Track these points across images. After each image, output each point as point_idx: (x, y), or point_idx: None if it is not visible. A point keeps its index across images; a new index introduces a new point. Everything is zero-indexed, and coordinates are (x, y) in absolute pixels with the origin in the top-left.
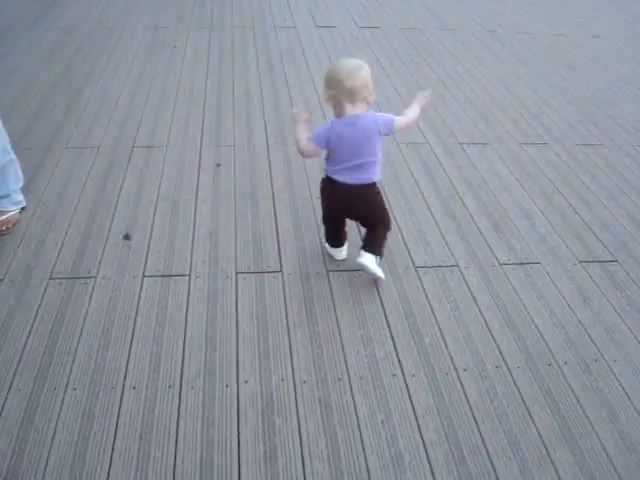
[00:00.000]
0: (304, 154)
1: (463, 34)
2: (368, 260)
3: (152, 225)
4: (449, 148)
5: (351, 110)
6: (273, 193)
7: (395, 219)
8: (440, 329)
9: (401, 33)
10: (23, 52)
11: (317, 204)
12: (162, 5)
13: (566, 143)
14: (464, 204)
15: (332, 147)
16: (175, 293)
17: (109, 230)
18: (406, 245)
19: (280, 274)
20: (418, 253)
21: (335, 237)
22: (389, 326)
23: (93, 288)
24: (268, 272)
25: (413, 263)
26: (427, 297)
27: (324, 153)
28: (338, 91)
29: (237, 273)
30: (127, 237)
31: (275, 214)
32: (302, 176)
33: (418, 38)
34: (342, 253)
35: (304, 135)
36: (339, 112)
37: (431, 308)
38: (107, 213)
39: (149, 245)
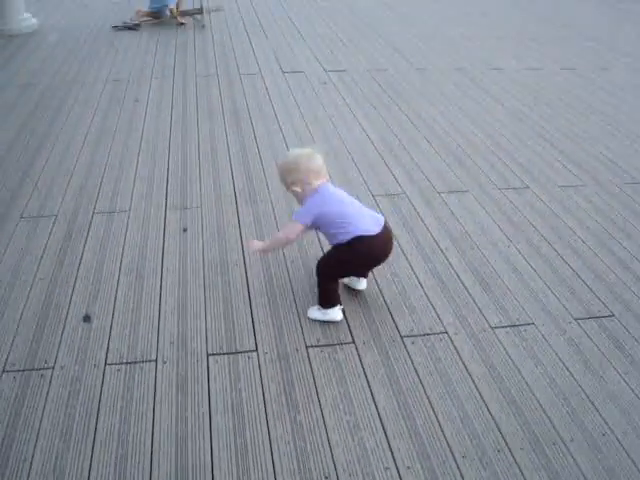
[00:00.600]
0: (290, 241)
1: (432, 73)
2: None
3: (114, 303)
4: (427, 198)
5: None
6: (244, 258)
7: (376, 282)
8: (433, 409)
9: (369, 75)
10: None
11: (291, 267)
12: (123, 56)
13: (547, 185)
14: (448, 261)
15: (335, 212)
16: (141, 383)
17: (67, 312)
18: (390, 312)
19: (255, 354)
20: (403, 320)
21: (337, 293)
22: (377, 408)
23: (50, 381)
24: (242, 352)
25: (399, 332)
26: (416, 371)
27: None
28: (303, 173)
29: (208, 355)
30: (87, 319)
31: (247, 282)
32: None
33: (386, 79)
34: (340, 312)
35: (276, 235)
36: (307, 190)
37: (422, 384)
38: (65, 292)
39: (111, 327)
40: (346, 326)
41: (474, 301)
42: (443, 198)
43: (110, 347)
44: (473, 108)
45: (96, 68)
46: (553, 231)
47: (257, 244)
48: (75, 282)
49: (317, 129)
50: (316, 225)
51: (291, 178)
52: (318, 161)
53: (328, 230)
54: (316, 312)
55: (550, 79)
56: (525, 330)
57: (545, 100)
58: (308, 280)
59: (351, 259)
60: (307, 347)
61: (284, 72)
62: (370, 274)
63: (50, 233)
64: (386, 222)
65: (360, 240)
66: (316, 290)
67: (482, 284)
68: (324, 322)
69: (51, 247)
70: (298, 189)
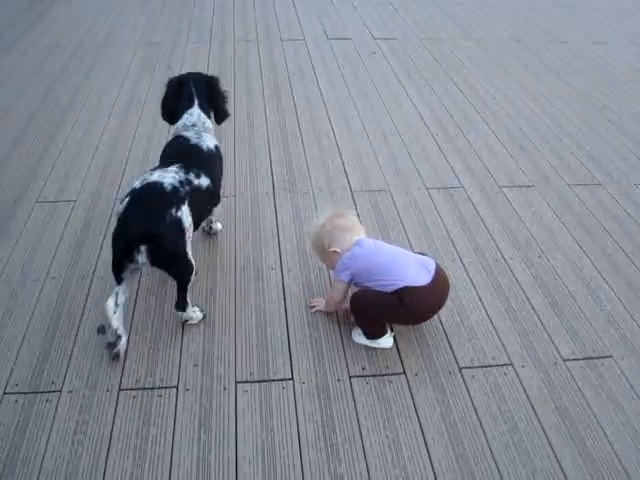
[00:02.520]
0: (339, 300)
1: (489, 43)
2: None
3: (133, 312)
4: (488, 193)
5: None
6: (281, 261)
7: None
8: (496, 463)
9: (421, 45)
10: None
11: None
12: (157, 17)
13: (622, 182)
14: (513, 273)
15: (374, 262)
16: (159, 415)
17: (80, 321)
18: (447, 336)
19: (291, 383)
20: (462, 347)
21: (383, 327)
22: (431, 460)
23: (56, 408)
24: (276, 380)
25: (457, 363)
26: (477, 413)
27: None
28: (337, 231)
29: (237, 383)
30: (101, 330)
31: (284, 292)
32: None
33: (441, 50)
34: (391, 338)
35: (327, 297)
36: (344, 250)
37: (483, 431)
38: (79, 295)
39: (128, 342)
40: (396, 352)
41: (543, 326)
42: (505, 194)
43: (125, 369)
44: (535, 86)
45: (128, 30)
46: (630, 239)
47: (320, 305)
48: (91, 284)
49: (365, 106)
50: (356, 280)
51: (327, 241)
52: (348, 217)
53: (368, 283)
54: (362, 339)
55: (618, 56)
56: (602, 364)
57: (614, 80)
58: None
59: (393, 307)
60: (350, 377)
61: (329, 38)
62: None
63: (67, 222)
64: (438, 267)
65: (407, 291)
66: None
67: (552, 304)
68: (370, 349)
69: (66, 240)
70: (337, 249)
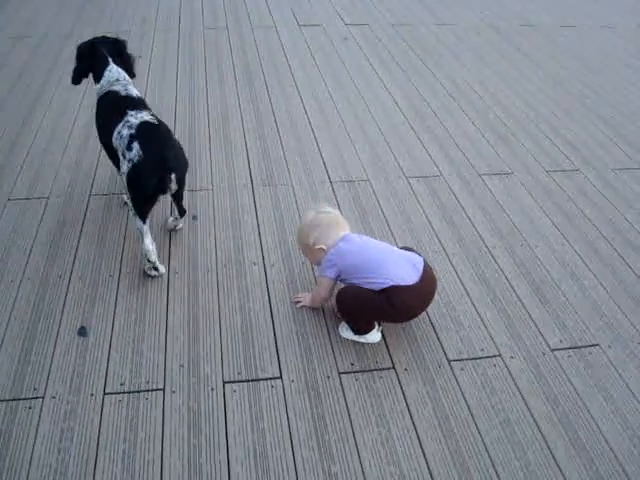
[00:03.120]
0: (325, 297)
1: (461, 29)
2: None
3: (114, 312)
4: (467, 181)
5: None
6: (263, 256)
7: None
8: (490, 456)
9: (393, 30)
10: None
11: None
12: (123, 5)
13: (599, 167)
14: (497, 263)
15: (360, 259)
16: (146, 419)
17: (60, 322)
18: (434, 328)
19: (280, 382)
20: (450, 339)
21: (371, 323)
22: (425, 456)
23: (40, 415)
24: (264, 379)
25: (446, 355)
26: (469, 406)
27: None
28: (323, 228)
29: (225, 383)
30: (82, 332)
31: (267, 287)
32: (296, 225)
33: (413, 36)
34: (379, 333)
35: (312, 294)
36: (330, 246)
37: (475, 424)
38: (57, 296)
39: (110, 343)
40: (384, 346)
41: (530, 316)
42: (485, 181)
43: (109, 371)
44: (511, 72)
45: (94, 19)
46: (611, 226)
47: (305, 301)
48: (69, 284)
49: (340, 95)
50: (343, 276)
51: (312, 238)
52: (333, 212)
53: (355, 280)
54: (348, 333)
55: (589, 38)
56: (590, 353)
57: (587, 64)
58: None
59: (382, 307)
60: (340, 373)
61: (300, 25)
62: None
63: (41, 220)
64: (426, 264)
65: (395, 291)
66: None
67: (537, 293)
68: (358, 343)
69: (41, 237)
70: (322, 246)
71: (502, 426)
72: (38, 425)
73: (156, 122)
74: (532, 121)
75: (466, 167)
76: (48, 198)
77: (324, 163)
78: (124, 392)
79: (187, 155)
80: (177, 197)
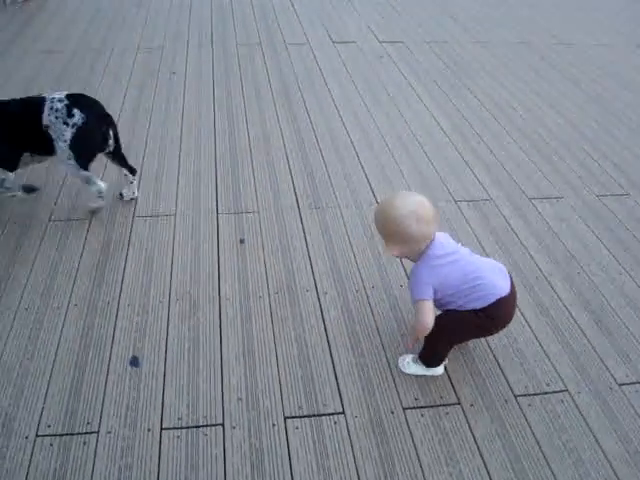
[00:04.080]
0: (429, 325)
1: (495, 47)
2: None
3: (166, 341)
4: (518, 205)
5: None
6: (315, 283)
7: None
8: None
9: (428, 48)
10: None
11: (372, 295)
12: (154, 19)
13: None
14: (555, 291)
15: (459, 273)
16: (207, 456)
17: (111, 352)
18: (497, 361)
19: (343, 417)
20: (514, 373)
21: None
22: None
23: (95, 450)
24: (327, 414)
25: (512, 390)
26: (539, 444)
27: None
28: (414, 236)
29: (285, 418)
30: (135, 362)
31: (322, 316)
32: (347, 252)
33: (448, 53)
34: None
35: (414, 327)
36: (415, 252)
37: (547, 463)
38: (106, 323)
39: (164, 375)
40: (447, 380)
41: (593, 347)
42: (536, 206)
43: (165, 403)
44: (548, 91)
45: (125, 34)
46: None
47: (413, 338)
48: (118, 311)
49: (379, 114)
50: (441, 296)
51: (397, 238)
52: (429, 213)
53: (457, 300)
54: (415, 367)
55: (625, 58)
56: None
57: (625, 83)
58: (394, 315)
59: (483, 326)
60: (404, 409)
61: (334, 42)
62: None
63: (85, 242)
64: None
65: (497, 303)
66: (419, 346)
67: (599, 324)
68: (421, 376)
69: (87, 261)
70: (405, 251)
71: (575, 466)
72: (94, 462)
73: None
74: (576, 142)
75: (515, 191)
76: (90, 221)
77: (370, 185)
78: (182, 427)
79: (230, 174)
80: (120, 156)
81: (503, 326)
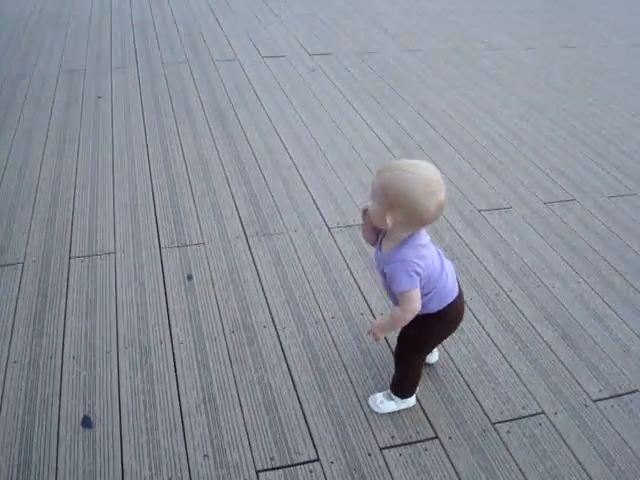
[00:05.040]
0: (418, 309)
1: (426, 55)
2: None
3: (119, 398)
4: (469, 219)
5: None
6: (272, 317)
7: (442, 347)
8: None
9: (359, 59)
10: None
11: (333, 327)
12: (74, 42)
13: (595, 196)
14: (517, 308)
15: (437, 270)
16: None
17: (59, 413)
18: (469, 387)
19: (318, 465)
20: (489, 399)
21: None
22: None
23: None
24: (301, 464)
25: (488, 418)
26: (524, 475)
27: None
28: (427, 215)
29: (257, 472)
30: (87, 423)
31: (284, 354)
32: (301, 281)
33: (379, 64)
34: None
35: (398, 316)
36: (405, 232)
37: None
38: (50, 381)
39: (121, 434)
40: (421, 412)
41: (562, 364)
42: (486, 218)
43: (126, 468)
44: (484, 98)
45: (45, 56)
46: (618, 255)
47: (379, 334)
48: (62, 365)
49: (318, 130)
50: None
51: (403, 214)
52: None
53: (433, 292)
54: (389, 404)
55: (553, 59)
56: (631, 400)
57: (556, 86)
58: (358, 345)
59: (441, 330)
60: (381, 449)
61: (263, 57)
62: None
63: (19, 290)
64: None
65: (457, 299)
66: (391, 376)
67: (564, 338)
68: (390, 412)
69: (23, 311)
70: (401, 227)
71: None
72: None
73: None
74: (518, 150)
75: (463, 203)
76: (23, 263)
77: (317, 206)
78: None
79: (170, 204)
80: None
81: (453, 327)
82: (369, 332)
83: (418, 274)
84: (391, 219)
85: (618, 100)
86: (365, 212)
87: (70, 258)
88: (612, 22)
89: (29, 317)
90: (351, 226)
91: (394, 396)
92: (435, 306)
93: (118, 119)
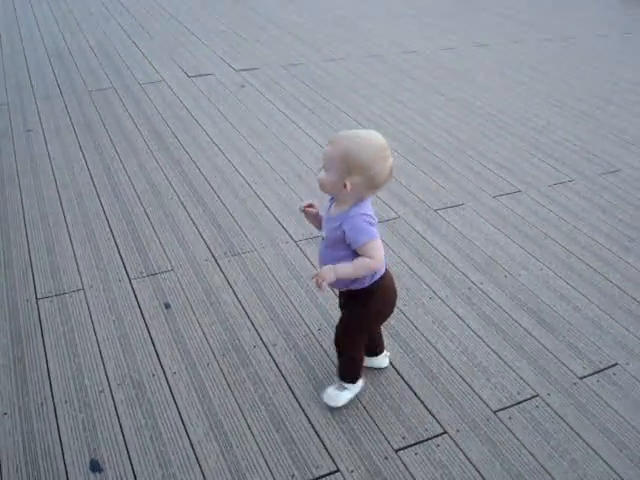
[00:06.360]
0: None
1: (349, 62)
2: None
3: (123, 437)
4: (427, 219)
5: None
6: (260, 336)
7: (428, 341)
8: None
9: (286, 71)
10: None
11: (321, 338)
12: None
13: (537, 185)
14: (490, 298)
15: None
16: None
17: (64, 460)
18: (463, 378)
19: (340, 475)
20: (485, 389)
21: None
22: None
23: None
24: (322, 476)
25: (488, 406)
26: (533, 456)
27: None
28: (381, 179)
29: None
30: (95, 466)
31: (280, 371)
32: (280, 297)
33: (307, 74)
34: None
35: (366, 263)
36: (361, 195)
37: (549, 474)
38: (48, 428)
39: (135, 474)
40: (426, 411)
41: (545, 347)
42: (442, 216)
43: None
44: (412, 100)
45: None
46: (570, 239)
47: (329, 274)
48: (55, 411)
49: (261, 145)
50: None
51: (360, 178)
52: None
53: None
54: (342, 393)
55: (470, 58)
56: (614, 374)
57: (478, 82)
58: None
59: (377, 308)
60: (396, 451)
61: (190, 76)
62: (405, 334)
63: None
64: None
65: (386, 275)
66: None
67: (541, 323)
68: (399, 412)
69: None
70: (356, 191)
71: (572, 469)
72: None
73: None
74: (455, 147)
75: (419, 204)
76: None
77: (279, 222)
78: None
79: (129, 234)
80: None
81: (393, 301)
82: (313, 277)
83: (374, 226)
84: (349, 183)
85: (540, 93)
86: (305, 211)
87: (37, 299)
88: (521, 19)
89: (7, 365)
90: (317, 237)
91: (346, 384)
92: (368, 280)
93: (55, 153)
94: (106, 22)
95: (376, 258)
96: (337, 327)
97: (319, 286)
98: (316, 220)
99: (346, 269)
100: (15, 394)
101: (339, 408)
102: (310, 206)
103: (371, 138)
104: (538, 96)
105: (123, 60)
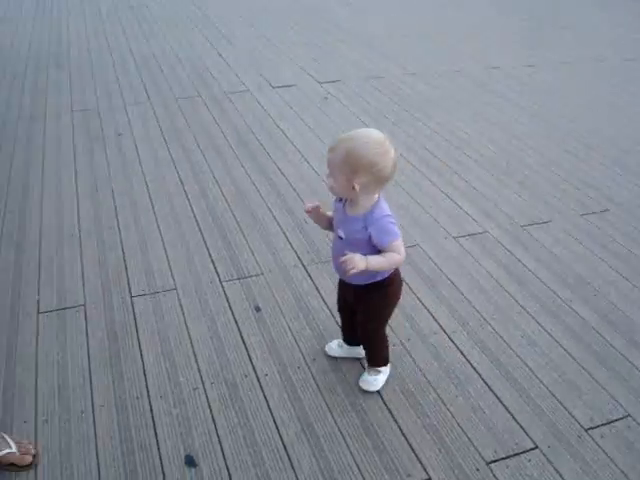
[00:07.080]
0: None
1: (432, 77)
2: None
3: (217, 434)
4: (514, 234)
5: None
6: (255, 372)
7: (517, 354)
8: None
9: (368, 84)
10: None
11: (319, 373)
12: (79, 81)
13: (626, 205)
14: (580, 315)
15: None
16: None
17: (159, 454)
18: (555, 397)
19: None
20: (578, 408)
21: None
22: None
23: None
24: None
25: (579, 423)
26: (624, 473)
27: None
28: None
29: None
30: (190, 461)
31: (272, 415)
32: (283, 333)
33: (390, 88)
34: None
35: (394, 258)
36: (372, 196)
37: None
38: (144, 423)
39: (229, 471)
40: (517, 426)
41: (636, 368)
42: (530, 233)
43: None
44: (496, 115)
45: (54, 97)
46: None
47: (361, 263)
48: (151, 405)
49: None
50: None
51: (367, 176)
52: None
53: None
54: (380, 378)
55: (550, 75)
56: (628, 427)
57: (560, 100)
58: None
59: (396, 295)
60: (487, 463)
61: (274, 87)
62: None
63: (87, 333)
64: None
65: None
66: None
67: (632, 344)
68: (489, 425)
69: (96, 354)
70: (365, 189)
71: None
72: None
73: None
74: (542, 164)
75: (506, 220)
76: (84, 305)
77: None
78: None
79: (219, 237)
80: None
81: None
82: (342, 261)
83: (395, 225)
84: (358, 184)
85: (624, 112)
86: (309, 212)
87: (132, 297)
88: (604, 39)
89: (104, 359)
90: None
91: (380, 368)
92: (387, 273)
93: (145, 156)
94: (190, 32)
95: (402, 254)
96: (361, 323)
97: (346, 272)
98: (323, 221)
99: (379, 261)
100: (112, 387)
101: (429, 419)
102: (316, 208)
103: (368, 135)
104: (624, 116)
105: (208, 69)
